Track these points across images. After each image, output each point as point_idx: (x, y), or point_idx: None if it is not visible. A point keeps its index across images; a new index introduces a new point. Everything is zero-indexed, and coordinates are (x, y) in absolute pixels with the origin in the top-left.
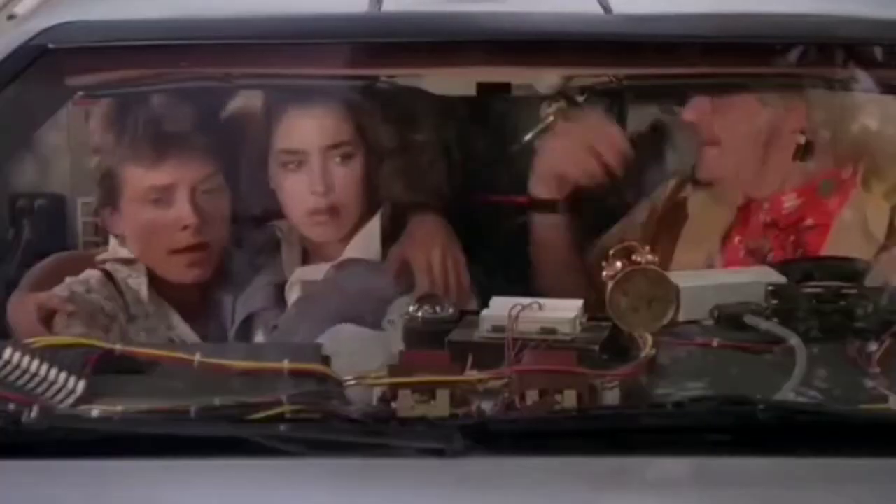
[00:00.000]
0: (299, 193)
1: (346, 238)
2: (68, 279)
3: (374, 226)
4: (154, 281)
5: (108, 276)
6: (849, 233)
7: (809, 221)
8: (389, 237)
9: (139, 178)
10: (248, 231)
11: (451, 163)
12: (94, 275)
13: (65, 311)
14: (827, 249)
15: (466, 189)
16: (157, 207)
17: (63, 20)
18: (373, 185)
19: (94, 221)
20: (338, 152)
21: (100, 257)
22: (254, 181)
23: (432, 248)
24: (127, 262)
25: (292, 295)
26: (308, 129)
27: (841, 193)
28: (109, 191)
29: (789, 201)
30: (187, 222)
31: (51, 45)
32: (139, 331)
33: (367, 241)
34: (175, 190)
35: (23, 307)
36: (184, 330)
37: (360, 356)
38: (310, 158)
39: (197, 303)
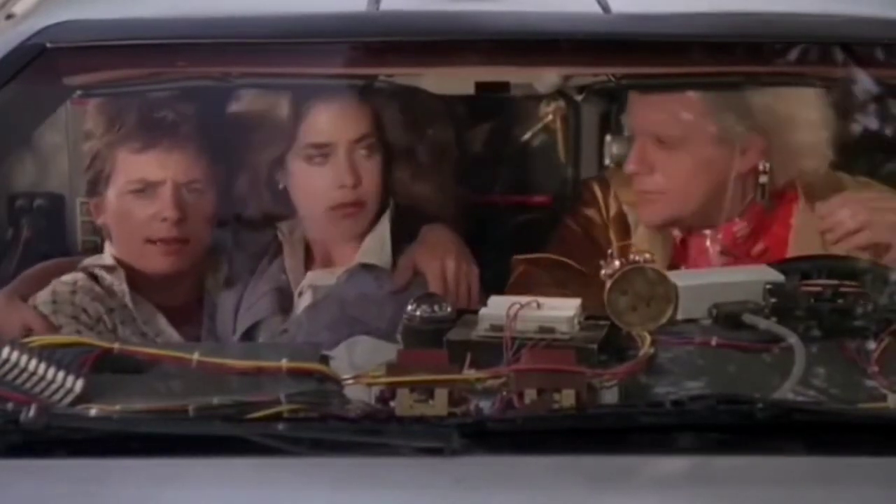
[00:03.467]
0: (324, 188)
1: (347, 240)
2: (53, 282)
3: (384, 228)
4: (138, 285)
5: (94, 278)
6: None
7: (761, 246)
8: (399, 239)
9: (128, 168)
10: (246, 233)
11: (461, 162)
12: (80, 277)
13: (42, 327)
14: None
15: (477, 189)
16: (140, 198)
17: (61, 19)
18: (389, 181)
19: (91, 220)
20: (363, 145)
21: (83, 264)
22: (251, 182)
23: (445, 257)
24: (109, 268)
25: (303, 300)
26: (335, 122)
27: (784, 204)
28: (97, 179)
29: (741, 230)
30: (166, 215)
31: (49, 45)
32: (126, 334)
33: (377, 244)
34: (160, 184)
35: (3, 315)
36: (171, 335)
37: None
38: (337, 151)
39: (183, 307)
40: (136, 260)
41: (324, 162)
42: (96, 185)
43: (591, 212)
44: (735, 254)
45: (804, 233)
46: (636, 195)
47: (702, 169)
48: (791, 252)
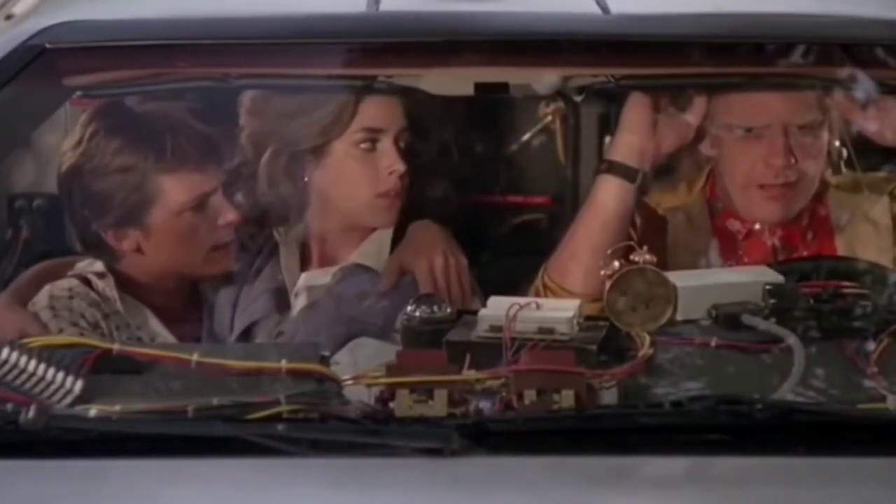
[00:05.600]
0: (373, 174)
1: (345, 241)
2: (48, 286)
3: (386, 231)
4: (134, 290)
5: (87, 283)
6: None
7: (812, 243)
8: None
9: (178, 188)
10: (246, 235)
11: (461, 163)
12: (74, 283)
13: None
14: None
15: (477, 190)
16: (198, 212)
17: (60, 20)
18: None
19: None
20: (405, 138)
21: (75, 270)
22: (253, 182)
23: (433, 254)
24: (100, 275)
25: (299, 301)
26: (391, 109)
27: (820, 203)
28: (132, 210)
29: (800, 226)
30: (230, 218)
31: (48, 45)
32: (122, 339)
33: (375, 247)
34: (213, 193)
35: (3, 320)
36: (167, 338)
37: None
38: (386, 138)
39: (180, 309)
40: (199, 269)
41: (374, 148)
42: (129, 216)
43: None
44: (793, 248)
45: (848, 222)
46: (761, 190)
47: (820, 158)
48: (841, 241)
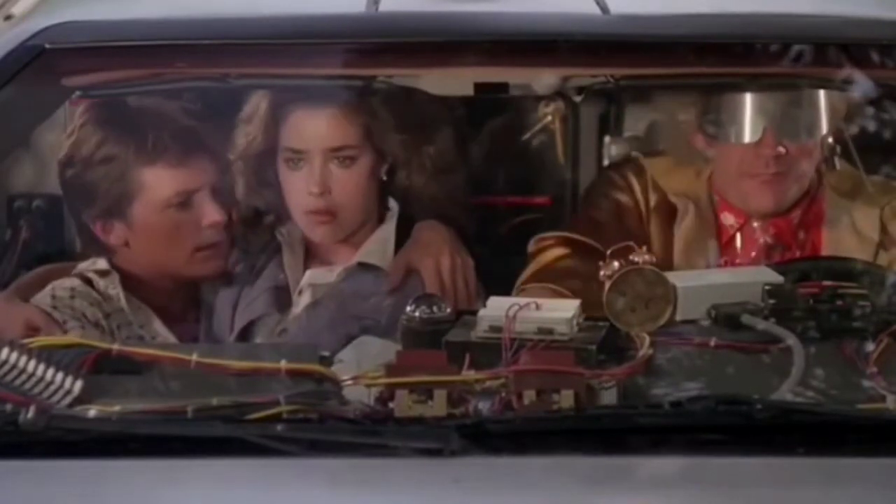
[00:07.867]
0: (298, 192)
1: (348, 240)
2: (51, 285)
3: (388, 231)
4: (134, 288)
5: (89, 283)
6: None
7: (804, 239)
8: (403, 242)
9: (162, 183)
10: (247, 233)
11: (461, 163)
12: (76, 283)
13: (47, 324)
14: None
15: (477, 189)
16: (182, 210)
17: (60, 20)
18: (376, 189)
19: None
20: (340, 154)
21: (77, 269)
22: (251, 182)
23: (439, 254)
24: (103, 273)
25: (302, 299)
26: (312, 131)
27: (816, 200)
28: (115, 202)
29: (792, 222)
30: (214, 219)
31: (48, 46)
32: (123, 338)
33: (379, 246)
34: (198, 191)
35: (7, 316)
36: (168, 337)
37: None
38: (311, 159)
39: (181, 308)
40: (183, 268)
41: (298, 168)
42: (113, 208)
43: (623, 197)
44: (784, 245)
45: (837, 227)
46: (753, 179)
47: (813, 154)
48: (826, 245)
